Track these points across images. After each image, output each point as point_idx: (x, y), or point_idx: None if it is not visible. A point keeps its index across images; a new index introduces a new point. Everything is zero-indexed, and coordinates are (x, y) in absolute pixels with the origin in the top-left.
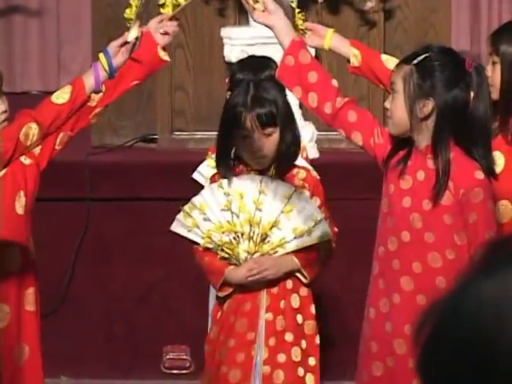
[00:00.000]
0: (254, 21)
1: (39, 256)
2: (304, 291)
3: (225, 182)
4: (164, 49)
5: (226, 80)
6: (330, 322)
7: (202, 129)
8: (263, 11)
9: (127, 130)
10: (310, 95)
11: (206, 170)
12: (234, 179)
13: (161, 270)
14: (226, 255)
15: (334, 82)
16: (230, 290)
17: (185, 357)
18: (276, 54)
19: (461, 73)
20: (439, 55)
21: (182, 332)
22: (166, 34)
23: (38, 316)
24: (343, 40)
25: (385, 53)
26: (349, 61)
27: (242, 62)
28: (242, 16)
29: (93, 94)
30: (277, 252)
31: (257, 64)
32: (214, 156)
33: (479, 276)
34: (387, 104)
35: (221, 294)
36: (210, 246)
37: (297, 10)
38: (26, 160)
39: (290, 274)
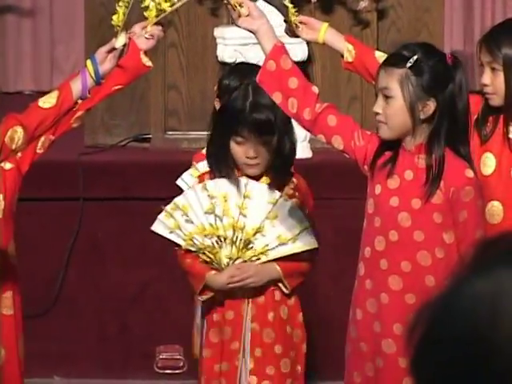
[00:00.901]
0: (238, 26)
1: (31, 256)
2: (291, 301)
3: (209, 183)
4: (146, 54)
5: (215, 88)
6: (322, 321)
7: (196, 128)
8: (247, 15)
9: (120, 130)
10: (290, 101)
11: (189, 179)
12: (219, 181)
13: (154, 269)
14: (208, 259)
15: (314, 89)
16: (211, 294)
17: (178, 357)
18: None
19: (448, 68)
20: (427, 54)
21: (175, 332)
22: (150, 37)
23: (18, 320)
24: (338, 34)
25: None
26: (342, 56)
27: (229, 68)
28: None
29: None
30: (259, 259)
31: (244, 70)
32: (198, 165)
33: (472, 275)
34: (378, 109)
35: (201, 298)
36: (192, 248)
37: (290, 7)
38: (5, 164)
39: (271, 283)
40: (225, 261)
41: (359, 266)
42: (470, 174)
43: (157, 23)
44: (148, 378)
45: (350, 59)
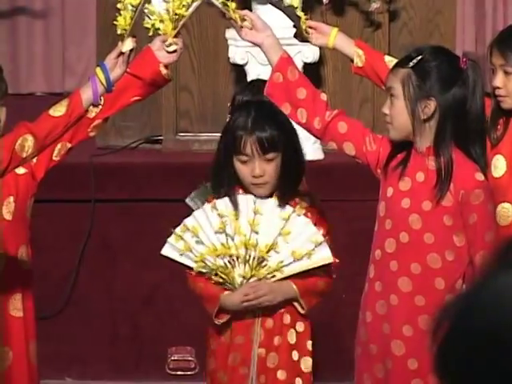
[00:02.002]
0: (242, 39)
1: (43, 257)
2: (301, 326)
3: (219, 202)
4: (166, 67)
5: (228, 104)
6: (333, 323)
7: (207, 130)
8: (251, 29)
9: (132, 131)
10: (299, 111)
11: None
12: (228, 200)
13: (165, 271)
14: (221, 280)
15: (323, 97)
16: (227, 317)
17: (189, 358)
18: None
19: (457, 71)
20: (434, 55)
21: (186, 333)
22: (172, 52)
23: (29, 323)
24: (348, 39)
25: (389, 54)
26: (352, 61)
27: (244, 85)
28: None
29: (93, 106)
30: (274, 276)
31: (258, 87)
32: (208, 185)
33: (496, 272)
34: (386, 110)
35: (218, 322)
36: (204, 270)
37: (303, 18)
38: (19, 169)
39: (286, 302)
40: (238, 280)
41: (370, 269)
42: (480, 176)
43: (177, 35)
44: (160, 379)
45: (359, 64)
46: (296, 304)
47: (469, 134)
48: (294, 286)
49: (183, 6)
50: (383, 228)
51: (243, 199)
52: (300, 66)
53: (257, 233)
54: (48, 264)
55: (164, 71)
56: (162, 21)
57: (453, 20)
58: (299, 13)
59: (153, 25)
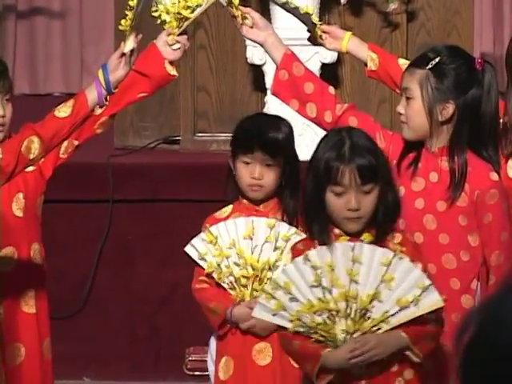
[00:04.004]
0: (243, 36)
1: (61, 257)
2: (410, 373)
3: (312, 253)
4: (171, 63)
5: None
6: None
7: (225, 130)
8: (251, 27)
9: (150, 132)
10: (308, 106)
11: (201, 245)
12: (321, 249)
13: (183, 271)
14: (321, 338)
15: (331, 90)
16: (330, 377)
17: (207, 358)
18: (298, 54)
19: (474, 72)
20: (451, 57)
21: (204, 333)
22: (177, 48)
23: (43, 321)
24: (361, 43)
25: (407, 54)
26: (366, 64)
27: (247, 118)
28: (265, 17)
29: (99, 107)
30: (380, 328)
31: (263, 122)
32: (211, 229)
33: None
34: (401, 109)
35: (319, 383)
36: (301, 329)
37: (318, 24)
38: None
39: (397, 354)
40: (341, 337)
41: None
42: (494, 176)
43: (181, 33)
44: (177, 379)
45: (373, 68)
46: (408, 353)
47: (483, 136)
48: (404, 335)
49: (188, 7)
50: (397, 227)
51: (340, 247)
52: (318, 66)
53: (356, 283)
54: (66, 264)
55: (169, 68)
56: (168, 12)
57: (471, 21)
58: (314, 19)
59: (159, 16)
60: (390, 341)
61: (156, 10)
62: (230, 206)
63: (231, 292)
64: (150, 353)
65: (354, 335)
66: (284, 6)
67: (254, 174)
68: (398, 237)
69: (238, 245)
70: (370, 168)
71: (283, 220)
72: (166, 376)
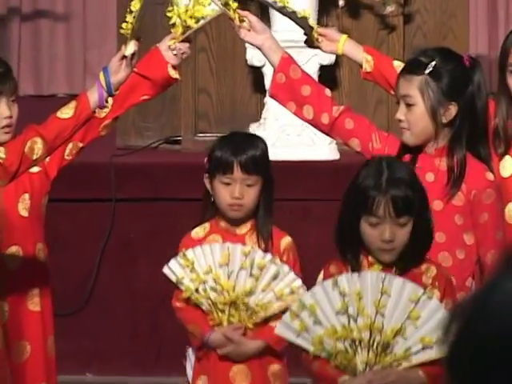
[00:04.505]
0: (241, 39)
1: (65, 255)
2: None
3: (341, 278)
4: (174, 67)
5: (205, 160)
6: None
7: (225, 131)
8: (249, 30)
9: (152, 132)
10: (305, 108)
11: (178, 268)
12: (351, 276)
13: None
14: (340, 365)
15: (328, 92)
16: None
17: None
18: (297, 56)
19: (466, 71)
20: (445, 59)
21: None
22: (179, 54)
23: (47, 318)
24: (357, 46)
25: (404, 56)
26: (361, 66)
27: (221, 140)
28: (264, 20)
29: (100, 108)
30: (400, 365)
31: (237, 142)
32: (187, 253)
33: (505, 275)
34: (401, 116)
35: None
36: (322, 354)
37: (315, 28)
38: (33, 168)
39: None
40: (361, 367)
41: None
42: (490, 176)
43: (184, 40)
44: (178, 375)
45: (368, 69)
46: None
47: (479, 133)
48: (422, 374)
49: (194, 17)
50: None
51: (370, 276)
52: (316, 68)
53: (383, 315)
54: (70, 262)
55: (172, 72)
56: (179, 15)
57: (466, 23)
58: (311, 23)
59: (171, 17)
60: (409, 378)
61: (170, 11)
62: (207, 225)
63: (210, 315)
64: (151, 349)
65: (374, 368)
66: (281, 11)
67: (235, 193)
68: (433, 270)
69: (215, 271)
70: (405, 200)
71: (258, 242)
72: (167, 372)
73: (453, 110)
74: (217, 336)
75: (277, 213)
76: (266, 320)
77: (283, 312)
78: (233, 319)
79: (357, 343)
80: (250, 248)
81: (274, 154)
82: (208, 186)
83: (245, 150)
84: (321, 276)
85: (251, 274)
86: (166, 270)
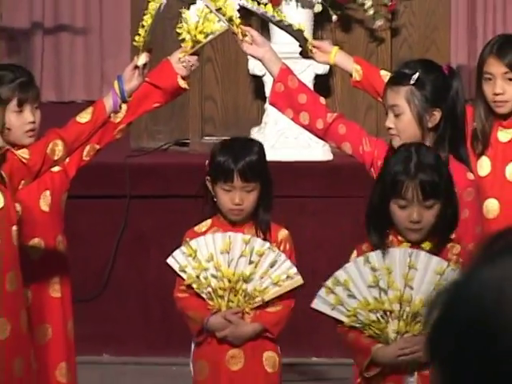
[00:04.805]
0: (244, 51)
1: (84, 247)
2: None
3: (372, 255)
4: (183, 78)
5: (206, 162)
6: None
7: (229, 134)
8: (251, 43)
9: (162, 135)
10: (302, 114)
11: (181, 257)
12: (381, 252)
13: None
14: (374, 334)
15: (322, 100)
16: (378, 370)
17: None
18: (294, 66)
19: (446, 78)
20: (427, 69)
21: None
22: (188, 66)
23: (67, 304)
24: (347, 56)
25: (391, 66)
26: (351, 75)
27: (221, 145)
28: (264, 34)
29: (117, 114)
30: None
31: (237, 147)
32: (191, 243)
33: (481, 264)
34: (390, 124)
35: (367, 375)
36: (356, 325)
37: (309, 40)
38: (54, 168)
39: None
40: (392, 336)
41: None
42: (471, 176)
43: (193, 53)
44: (187, 355)
45: (358, 78)
46: None
47: (459, 135)
48: None
49: (203, 33)
50: None
51: (398, 253)
52: (312, 77)
53: (411, 288)
54: (88, 253)
55: (181, 82)
56: (188, 32)
57: (448, 36)
58: (306, 35)
59: (181, 33)
60: None
61: (181, 27)
62: (209, 221)
63: (209, 302)
64: (161, 332)
65: (405, 336)
66: (279, 24)
67: (235, 200)
68: (458, 248)
69: (216, 258)
70: (432, 185)
71: (257, 233)
72: (175, 352)
73: (437, 115)
74: (216, 319)
75: (275, 208)
76: (264, 306)
77: (280, 299)
78: (232, 304)
79: (388, 314)
80: (250, 237)
81: (274, 155)
82: (210, 187)
83: (243, 157)
84: (354, 255)
85: (250, 261)
86: (170, 260)
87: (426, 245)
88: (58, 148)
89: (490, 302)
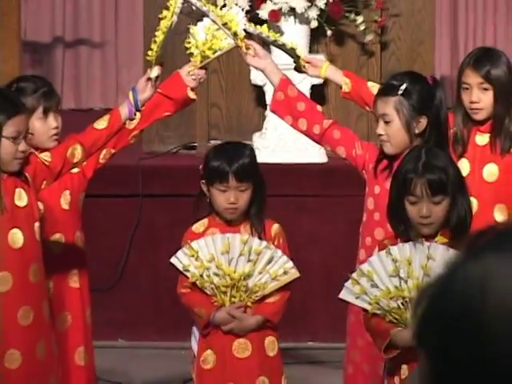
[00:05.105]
0: (247, 63)
1: (100, 242)
2: None
3: (393, 248)
4: (192, 89)
5: (200, 166)
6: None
7: (233, 138)
8: (253, 56)
9: (172, 140)
10: (300, 121)
11: (184, 258)
12: (402, 245)
13: None
14: (395, 320)
15: (319, 108)
16: (396, 352)
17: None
18: (293, 77)
19: (430, 88)
20: (413, 80)
21: None
22: (197, 78)
23: (85, 293)
24: (337, 70)
25: (381, 77)
26: (341, 87)
27: (215, 150)
28: (266, 48)
29: (130, 121)
30: None
31: (231, 152)
32: (193, 244)
33: (465, 260)
34: (381, 131)
35: (386, 356)
36: (378, 311)
37: (302, 56)
38: (73, 169)
39: None
40: (411, 321)
41: (360, 252)
42: None
43: (201, 67)
44: None
45: (347, 90)
46: None
47: (442, 141)
48: None
49: (212, 49)
50: (372, 219)
51: (418, 245)
52: (308, 87)
53: (429, 276)
54: (104, 247)
55: (190, 93)
56: (196, 47)
57: (432, 50)
58: (299, 52)
59: (190, 47)
60: None
61: (189, 42)
62: (206, 221)
63: (213, 297)
64: (171, 318)
65: None
66: (274, 43)
67: (230, 199)
68: None
69: (217, 258)
70: (438, 183)
71: (252, 232)
72: (184, 337)
73: (423, 122)
74: (221, 314)
75: (275, 206)
76: (264, 298)
77: (278, 290)
78: (234, 299)
79: (407, 301)
80: (247, 236)
81: (274, 158)
82: (205, 189)
83: (237, 160)
84: (376, 249)
85: (249, 260)
86: (173, 260)
87: (439, 239)
88: (77, 152)
89: (473, 297)
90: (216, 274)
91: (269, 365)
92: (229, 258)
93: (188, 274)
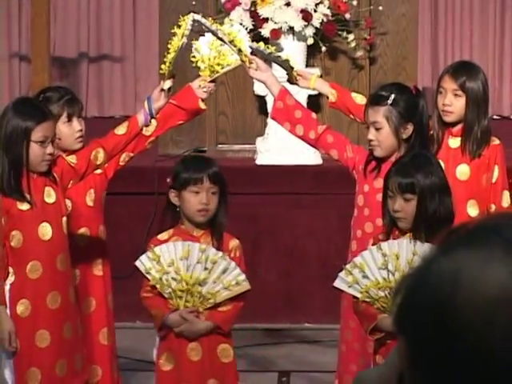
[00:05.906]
0: (250, 76)
1: (120, 235)
2: None
3: (384, 244)
4: (203, 100)
5: (168, 179)
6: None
7: (238, 143)
8: (256, 69)
9: (184, 144)
10: (297, 127)
11: (147, 261)
12: (392, 242)
13: None
14: (382, 308)
15: (314, 115)
16: (381, 335)
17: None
18: (291, 88)
19: (415, 97)
20: (399, 91)
21: None
22: (207, 91)
23: (107, 280)
24: (324, 82)
25: (369, 89)
26: (328, 97)
27: (182, 162)
28: (267, 62)
29: (147, 128)
30: None
31: (199, 163)
32: (156, 249)
33: (439, 255)
34: (372, 137)
35: (371, 337)
36: (368, 299)
37: (295, 68)
38: (96, 170)
39: None
40: None
41: (352, 243)
42: None
43: (211, 80)
44: None
45: (333, 100)
46: None
47: (426, 144)
48: None
49: (220, 64)
50: (362, 214)
51: (406, 242)
52: (305, 96)
53: None
54: (124, 239)
55: (201, 104)
56: (203, 61)
57: (415, 64)
58: (292, 64)
59: (196, 62)
60: None
61: (194, 57)
62: (171, 231)
63: (170, 301)
64: None
65: None
66: (268, 56)
67: (203, 200)
68: None
69: (176, 263)
70: (407, 184)
71: (212, 242)
72: None
73: (410, 128)
74: (174, 317)
75: (275, 203)
76: (217, 306)
77: (231, 300)
78: (188, 304)
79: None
80: (206, 246)
81: (274, 160)
82: (173, 199)
83: (210, 166)
84: (371, 243)
85: (205, 268)
86: (137, 262)
87: (408, 235)
88: (100, 155)
89: (446, 290)
90: (174, 279)
91: (222, 370)
92: (187, 264)
93: (149, 277)
